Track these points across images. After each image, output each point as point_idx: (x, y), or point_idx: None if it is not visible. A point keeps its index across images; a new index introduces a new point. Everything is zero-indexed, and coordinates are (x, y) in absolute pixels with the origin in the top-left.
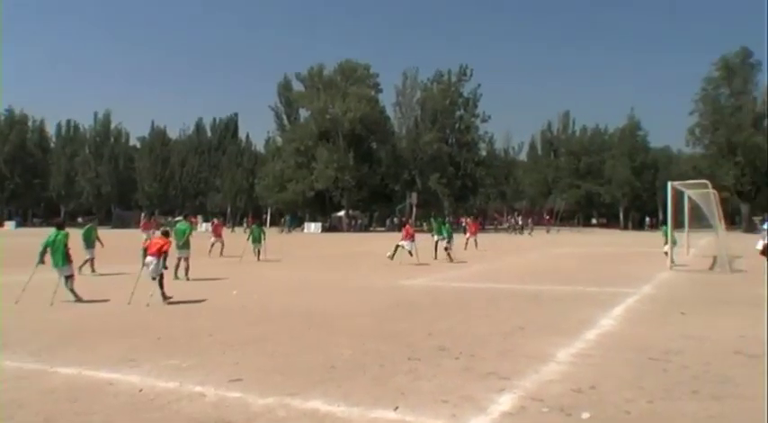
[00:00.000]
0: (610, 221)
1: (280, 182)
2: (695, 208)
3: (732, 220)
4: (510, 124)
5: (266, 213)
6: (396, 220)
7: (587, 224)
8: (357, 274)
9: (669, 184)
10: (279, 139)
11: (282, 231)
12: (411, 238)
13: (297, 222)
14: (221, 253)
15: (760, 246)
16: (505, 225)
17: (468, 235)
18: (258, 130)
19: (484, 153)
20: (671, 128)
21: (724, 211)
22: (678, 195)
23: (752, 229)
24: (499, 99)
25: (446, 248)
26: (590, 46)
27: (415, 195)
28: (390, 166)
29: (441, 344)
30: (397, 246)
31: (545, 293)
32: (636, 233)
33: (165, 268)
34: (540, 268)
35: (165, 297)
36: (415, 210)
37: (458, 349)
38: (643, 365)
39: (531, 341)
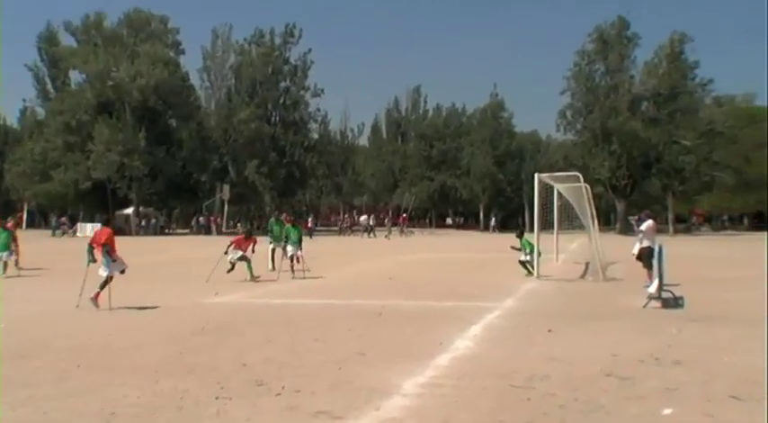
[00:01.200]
0: (468, 221)
1: (41, 168)
2: (565, 205)
3: (607, 219)
4: (349, 101)
5: (21, 210)
6: (202, 219)
7: (442, 224)
8: (148, 290)
9: (536, 176)
10: (40, 111)
11: (55, 234)
12: (245, 248)
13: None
14: None
15: (636, 250)
16: (344, 225)
17: None
18: (10, 96)
19: (316, 136)
20: (540, 109)
21: (597, 208)
22: (547, 190)
23: (628, 230)
24: (335, 69)
25: (293, 258)
26: (448, 7)
27: (227, 188)
28: (195, 151)
29: (258, 377)
30: (243, 258)
31: (391, 310)
32: (498, 236)
33: None
34: (385, 279)
35: None
36: (227, 206)
37: (280, 383)
38: (503, 394)
39: (373, 370)
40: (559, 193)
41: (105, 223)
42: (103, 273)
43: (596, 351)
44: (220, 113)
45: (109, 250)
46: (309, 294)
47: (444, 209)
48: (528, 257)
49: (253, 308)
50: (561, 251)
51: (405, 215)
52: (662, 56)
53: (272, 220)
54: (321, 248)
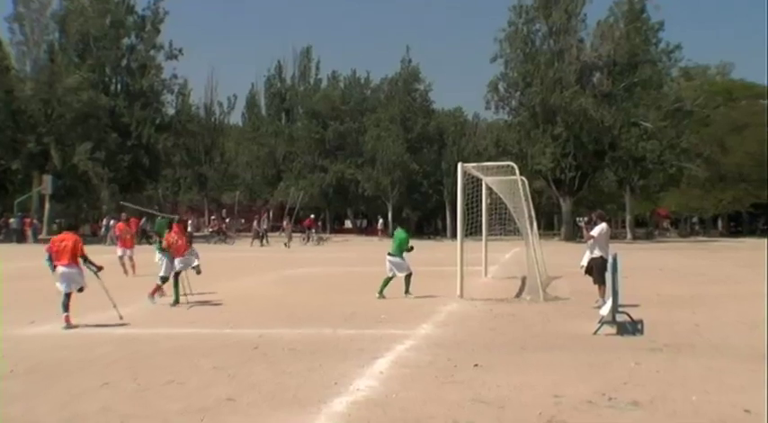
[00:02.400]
0: (373, 224)
1: None
2: (496, 204)
3: (549, 222)
4: (216, 66)
5: None
6: (14, 222)
7: (340, 228)
8: None
9: (460, 166)
10: None
11: None
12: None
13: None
14: None
15: (585, 261)
16: (209, 229)
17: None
18: None
19: (171, 111)
20: (466, 81)
21: (537, 208)
22: (473, 185)
23: (575, 235)
24: (198, 23)
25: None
26: None
27: (48, 180)
28: (3, 129)
29: None
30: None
31: (271, 341)
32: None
33: None
34: (264, 301)
35: None
36: (48, 205)
37: None
38: None
39: (245, 421)
40: (489, 189)
41: (73, 228)
42: (75, 288)
43: (535, 391)
44: (39, 79)
45: (86, 260)
46: (164, 321)
47: (342, 208)
48: (391, 272)
49: (86, 340)
50: (491, 263)
51: (312, 217)
52: (619, 15)
53: (161, 220)
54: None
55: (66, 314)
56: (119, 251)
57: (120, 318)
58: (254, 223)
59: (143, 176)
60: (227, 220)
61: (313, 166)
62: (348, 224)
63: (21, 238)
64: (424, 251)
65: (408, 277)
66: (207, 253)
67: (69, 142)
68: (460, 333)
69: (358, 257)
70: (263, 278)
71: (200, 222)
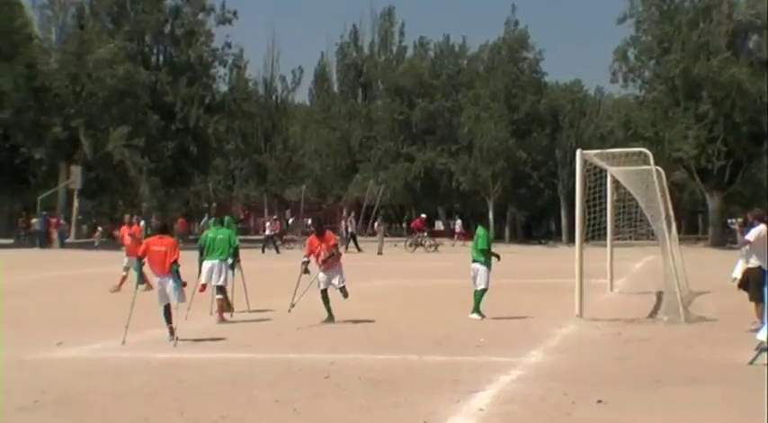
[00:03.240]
0: (471, 226)
1: None
2: (626, 201)
3: (693, 223)
4: (278, 32)
5: None
6: (37, 222)
7: (429, 232)
8: None
9: (579, 154)
10: None
11: None
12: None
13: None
14: None
15: (738, 272)
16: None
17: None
18: None
19: (224, 87)
20: (586, 48)
21: (677, 206)
22: (596, 177)
23: (725, 240)
24: None
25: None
26: None
27: (77, 172)
28: (24, 110)
29: None
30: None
31: (346, 369)
32: (522, 248)
33: None
34: (341, 318)
35: None
36: (77, 202)
37: None
38: None
39: None
40: (616, 182)
41: (163, 229)
42: (174, 300)
43: None
44: (66, 50)
45: (178, 269)
46: (219, 344)
47: (432, 206)
48: (480, 283)
49: (122, 366)
50: (618, 274)
51: (422, 218)
52: None
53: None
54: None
55: (170, 325)
56: (125, 260)
57: (175, 338)
58: (344, 224)
59: (190, 167)
60: (289, 221)
61: (396, 154)
62: (439, 226)
63: (45, 241)
64: (533, 259)
65: (481, 293)
66: (271, 261)
67: (102, 126)
68: (579, 361)
69: (453, 267)
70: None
71: (260, 223)
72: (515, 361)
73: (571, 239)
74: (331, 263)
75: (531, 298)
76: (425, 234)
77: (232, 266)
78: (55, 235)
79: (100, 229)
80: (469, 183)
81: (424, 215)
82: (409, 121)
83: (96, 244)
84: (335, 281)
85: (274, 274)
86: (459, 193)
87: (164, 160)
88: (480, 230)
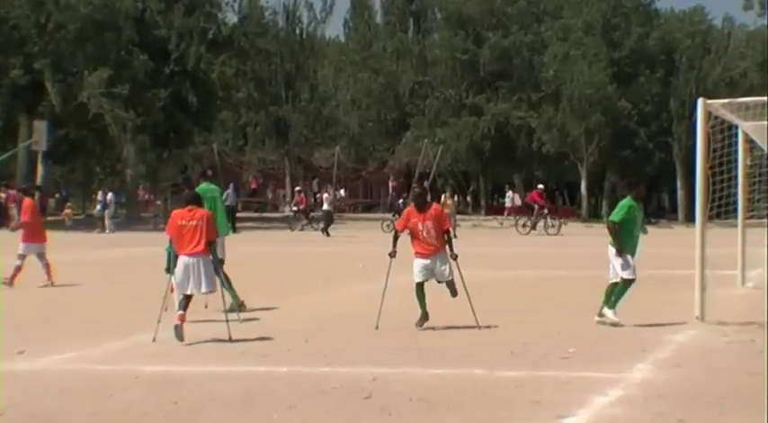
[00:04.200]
0: (559, 199)
1: None
2: (762, 167)
3: None
4: None
5: None
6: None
7: (502, 207)
8: None
9: (702, 104)
10: None
11: None
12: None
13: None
14: None
15: None
16: (294, 207)
17: None
18: None
19: (233, 19)
20: None
21: None
22: (723, 133)
23: None
24: None
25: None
26: None
27: (44, 128)
28: None
29: None
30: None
31: (394, 386)
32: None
33: None
34: (390, 321)
35: None
36: (43, 168)
37: None
38: None
39: None
40: (750, 141)
41: (195, 200)
42: (203, 288)
43: None
44: None
45: (216, 250)
46: (227, 353)
47: (506, 174)
48: (618, 270)
49: (104, 381)
50: (752, 264)
51: (539, 190)
52: None
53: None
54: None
55: (181, 312)
56: (21, 247)
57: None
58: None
59: (188, 123)
60: (317, 193)
61: (459, 105)
62: (511, 199)
63: (1, 218)
64: (660, 243)
65: (625, 285)
66: (309, 245)
67: (74, 69)
68: (700, 378)
69: (529, 255)
70: (379, 286)
71: (279, 196)
72: (615, 377)
73: (690, 218)
74: (436, 248)
75: (636, 295)
76: (545, 211)
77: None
78: (13, 210)
79: (70, 204)
80: (555, 143)
81: (541, 186)
82: (476, 62)
83: (68, 223)
84: (443, 271)
85: (302, 259)
86: (541, 156)
87: (154, 114)
88: (628, 200)
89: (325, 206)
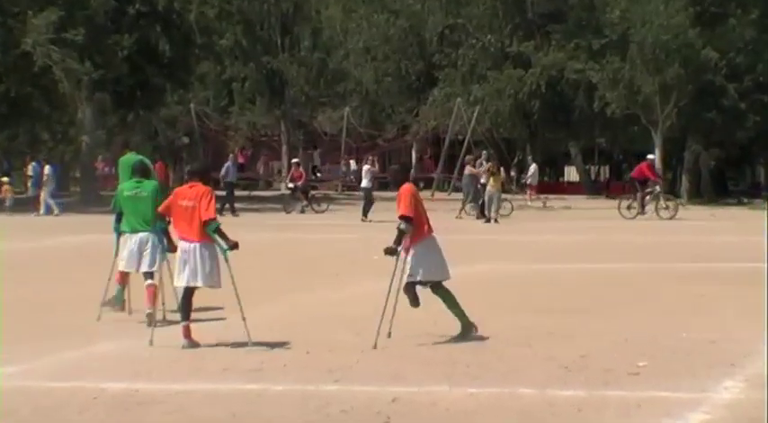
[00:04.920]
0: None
1: None
2: None
3: None
4: None
5: None
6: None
7: (555, 185)
8: None
9: None
10: None
11: None
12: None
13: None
14: None
15: None
16: (290, 184)
17: None
18: None
19: None
20: None
21: None
22: None
23: None
24: None
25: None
26: None
27: None
28: None
29: None
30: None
31: (413, 407)
32: (711, 210)
33: None
34: (412, 326)
35: None
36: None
37: None
38: None
39: None
40: None
41: (201, 174)
42: (201, 282)
43: None
44: None
45: (216, 229)
46: (212, 366)
47: (559, 141)
48: None
49: (56, 402)
50: None
51: (649, 161)
52: None
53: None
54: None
55: (185, 323)
56: None
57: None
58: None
59: (159, 78)
60: (317, 168)
61: (500, 55)
62: (571, 174)
63: None
64: (728, 229)
65: None
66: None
67: (15, 9)
68: None
69: (591, 245)
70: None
71: (273, 169)
72: (697, 397)
73: None
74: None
75: (722, 294)
76: (658, 189)
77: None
78: None
79: (7, 179)
80: (622, 102)
81: (651, 156)
82: (522, 1)
83: (8, 204)
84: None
85: (302, 250)
86: (604, 119)
87: (116, 66)
88: None
89: (365, 182)
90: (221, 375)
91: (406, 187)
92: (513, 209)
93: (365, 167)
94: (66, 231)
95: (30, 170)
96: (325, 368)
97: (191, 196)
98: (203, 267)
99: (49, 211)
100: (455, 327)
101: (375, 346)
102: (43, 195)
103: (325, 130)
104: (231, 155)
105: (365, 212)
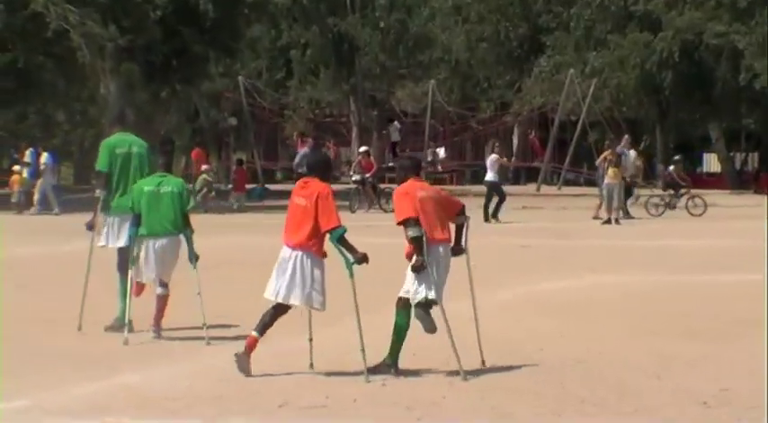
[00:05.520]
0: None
1: None
2: None
3: None
4: None
5: None
6: None
7: (699, 177)
8: None
9: None
10: None
11: None
12: None
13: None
14: None
15: None
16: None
17: None
18: None
19: None
20: None
21: None
22: None
23: None
24: None
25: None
26: None
27: None
28: None
29: None
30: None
31: None
32: None
33: None
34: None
35: None
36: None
37: None
38: None
39: None
40: None
41: (319, 168)
42: (300, 300)
43: None
44: None
45: (340, 236)
46: (245, 404)
47: (697, 125)
48: None
49: None
50: None
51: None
52: None
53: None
54: None
55: (255, 334)
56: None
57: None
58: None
59: (201, 45)
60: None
61: (623, 15)
62: (712, 163)
63: None
64: None
65: None
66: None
67: None
68: None
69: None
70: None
71: (340, 157)
72: None
73: None
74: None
75: None
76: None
77: (191, 253)
78: None
79: (19, 168)
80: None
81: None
82: None
83: (15, 200)
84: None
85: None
86: (752, 95)
87: (147, 30)
88: None
89: (491, 175)
90: (277, 413)
91: (401, 187)
92: (664, 208)
93: (492, 157)
94: (86, 234)
95: (27, 157)
96: (404, 404)
97: (305, 194)
98: (303, 283)
99: (44, 207)
100: (571, 351)
101: (465, 378)
102: (38, 189)
103: (404, 109)
104: (310, 140)
105: (494, 213)
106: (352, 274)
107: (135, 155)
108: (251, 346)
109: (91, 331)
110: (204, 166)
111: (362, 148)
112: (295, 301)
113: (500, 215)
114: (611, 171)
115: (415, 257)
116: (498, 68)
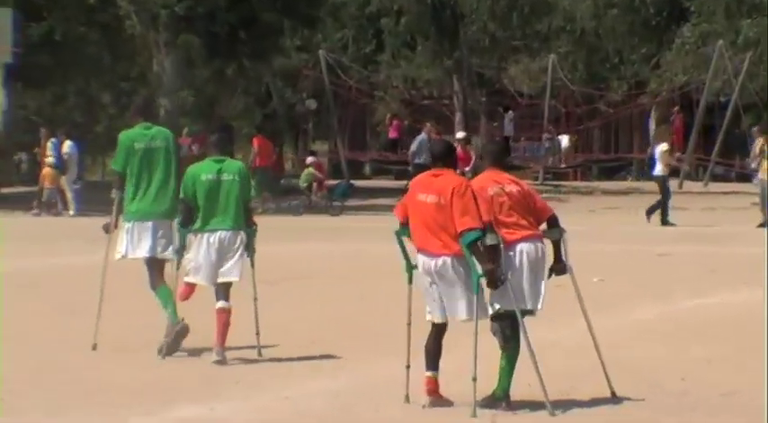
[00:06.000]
0: None
1: None
2: None
3: None
4: None
5: None
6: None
7: None
8: None
9: None
10: None
11: None
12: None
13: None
14: None
15: None
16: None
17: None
18: None
19: None
20: None
21: None
22: None
23: None
24: None
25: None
26: None
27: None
28: None
29: None
30: None
31: None
32: None
33: None
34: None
35: None
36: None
37: None
38: None
39: None
40: None
41: (446, 157)
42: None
43: None
44: None
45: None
46: None
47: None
48: None
49: None
50: None
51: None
52: None
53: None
54: None
55: (431, 374)
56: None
57: None
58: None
59: (272, 11)
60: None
61: None
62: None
63: None
64: None
65: None
66: None
67: None
68: None
69: None
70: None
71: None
72: None
73: None
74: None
75: None
76: None
77: (249, 247)
78: None
79: (51, 160)
80: None
81: None
82: None
83: (45, 199)
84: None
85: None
86: None
87: None
88: None
89: (659, 169)
90: None
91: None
92: None
93: (660, 147)
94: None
95: (49, 149)
96: None
97: (436, 189)
98: (466, 292)
99: (65, 206)
100: (720, 381)
101: (552, 413)
102: (66, 185)
103: (519, 90)
104: (428, 124)
105: (663, 213)
106: (477, 290)
107: (158, 149)
108: (433, 387)
109: (135, 354)
110: (309, 159)
111: (459, 134)
112: (462, 316)
113: (653, 216)
114: (765, 163)
115: (488, 268)
116: (632, 40)
